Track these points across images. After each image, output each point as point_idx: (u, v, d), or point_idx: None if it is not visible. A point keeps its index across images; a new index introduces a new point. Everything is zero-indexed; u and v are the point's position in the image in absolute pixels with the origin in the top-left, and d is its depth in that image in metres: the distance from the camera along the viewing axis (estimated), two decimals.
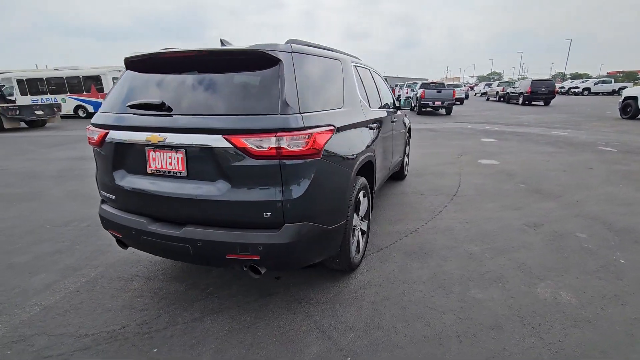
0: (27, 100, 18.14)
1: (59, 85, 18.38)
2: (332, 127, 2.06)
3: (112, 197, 2.19)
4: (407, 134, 5.12)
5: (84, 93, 18.21)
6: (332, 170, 2.03)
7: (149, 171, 2.01)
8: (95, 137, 2.14)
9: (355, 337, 1.97)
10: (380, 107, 3.55)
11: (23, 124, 13.49)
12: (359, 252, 2.69)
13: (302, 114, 1.83)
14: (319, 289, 2.45)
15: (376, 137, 3.04)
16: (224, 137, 1.76)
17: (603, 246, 3.00)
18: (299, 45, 2.10)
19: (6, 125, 12.58)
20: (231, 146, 1.76)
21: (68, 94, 18.29)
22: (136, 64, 2.16)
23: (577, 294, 2.33)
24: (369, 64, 4.05)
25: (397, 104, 4.45)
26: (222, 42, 2.31)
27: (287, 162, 1.78)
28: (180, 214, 1.97)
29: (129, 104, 2.00)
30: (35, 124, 14.00)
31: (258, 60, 1.88)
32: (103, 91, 17.94)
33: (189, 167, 1.91)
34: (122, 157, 2.09)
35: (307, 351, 1.87)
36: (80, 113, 18.45)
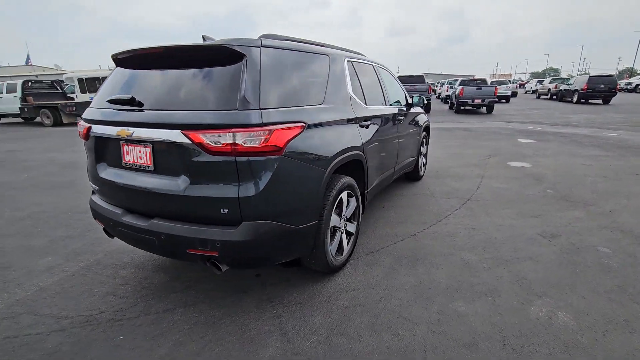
0: (86, 97, 19.87)
1: None
2: (302, 124, 2.00)
3: (97, 188, 2.30)
4: (423, 133, 4.87)
5: None
6: (299, 169, 1.97)
7: (123, 164, 2.09)
8: (82, 131, 2.26)
9: (316, 342, 1.90)
10: (383, 105, 3.41)
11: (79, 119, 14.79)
12: (341, 254, 2.60)
13: (262, 110, 1.78)
14: (295, 289, 2.40)
15: (372, 136, 2.92)
16: (183, 133, 1.77)
17: (627, 264, 2.64)
18: (271, 40, 2.06)
19: (64, 120, 13.89)
20: (189, 141, 1.76)
21: None
22: (122, 60, 2.25)
23: (577, 316, 2.06)
24: (382, 62, 3.91)
25: (409, 101, 4.25)
26: (204, 38, 2.33)
27: (243, 159, 1.74)
28: (148, 207, 2.02)
29: (106, 99, 2.08)
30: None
31: (223, 55, 1.86)
32: None
33: (156, 161, 1.95)
34: (103, 151, 2.19)
35: (263, 352, 1.84)
36: None
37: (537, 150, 7.05)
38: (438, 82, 34.27)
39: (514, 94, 28.38)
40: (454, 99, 16.07)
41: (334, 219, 2.41)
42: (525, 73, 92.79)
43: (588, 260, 2.70)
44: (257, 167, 1.78)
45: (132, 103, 1.96)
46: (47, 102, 14.39)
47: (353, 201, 2.68)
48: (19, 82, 14.74)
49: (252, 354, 1.83)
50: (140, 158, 1.99)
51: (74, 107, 14.01)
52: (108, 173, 2.18)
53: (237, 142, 1.71)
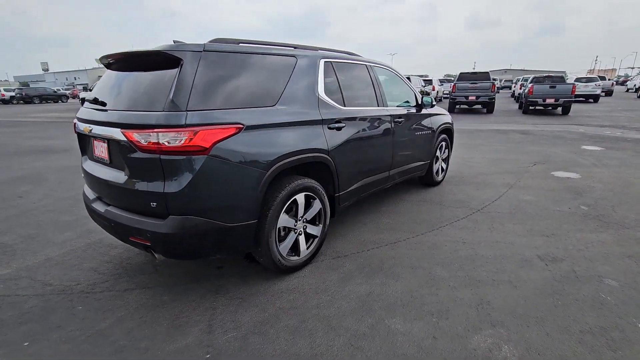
0: None
1: None
2: (239, 126, 2.06)
3: (83, 176, 2.65)
4: (442, 136, 4.54)
5: None
6: (230, 168, 2.02)
7: (94, 157, 2.37)
8: (73, 127, 2.61)
9: (232, 338, 1.96)
10: (375, 107, 3.28)
11: None
12: (298, 255, 2.60)
13: (188, 112, 1.88)
14: (245, 285, 2.48)
15: (347, 138, 2.85)
16: (121, 131, 1.95)
17: (629, 302, 2.19)
18: (217, 45, 2.15)
19: None
20: (126, 139, 1.94)
21: None
22: (106, 64, 2.53)
23: (524, 354, 1.79)
24: (383, 61, 3.77)
25: (419, 102, 4.01)
26: (174, 42, 2.50)
27: (167, 157, 1.87)
28: (106, 196, 2.27)
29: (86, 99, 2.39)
30: None
31: (162, 60, 2.00)
32: None
33: (110, 155, 2.18)
34: (83, 145, 2.51)
35: (180, 339, 1.95)
36: None
37: (599, 160, 6.06)
38: (516, 80, 31.17)
39: (608, 93, 24.53)
40: (523, 98, 14.50)
41: (285, 220, 2.42)
42: (632, 68, 79.05)
43: (582, 292, 2.30)
44: (181, 165, 1.89)
45: (96, 103, 2.21)
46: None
47: (316, 204, 2.66)
48: None
49: (170, 339, 1.96)
50: (102, 152, 2.24)
51: None
52: (87, 164, 2.49)
53: (160, 141, 1.84)
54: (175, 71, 1.95)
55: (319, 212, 2.71)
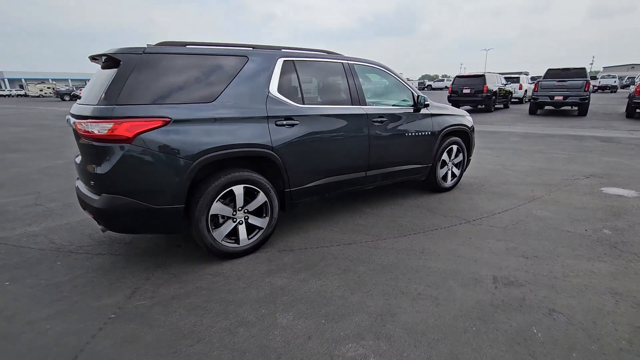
0: None
1: None
2: (165, 119, 2.31)
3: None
4: (451, 139, 4.18)
5: None
6: (154, 156, 2.28)
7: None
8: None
9: (142, 305, 2.22)
10: (349, 105, 3.25)
11: None
12: (237, 243, 2.76)
13: (116, 106, 2.20)
14: (186, 263, 2.73)
15: (302, 135, 2.90)
16: (73, 121, 2.37)
17: (560, 344, 1.82)
18: (159, 47, 2.44)
19: None
20: (75, 128, 2.35)
21: None
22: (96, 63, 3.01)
23: None
24: (373, 60, 3.68)
25: (416, 102, 3.77)
26: (147, 45, 2.87)
27: (98, 143, 2.21)
28: (77, 172, 2.75)
29: None
30: None
31: (110, 61, 2.36)
32: None
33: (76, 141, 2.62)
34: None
35: (105, 299, 2.29)
36: None
37: None
38: (638, 77, 25.98)
39: None
40: (629, 98, 12.03)
41: (219, 208, 2.60)
42: None
43: (512, 322, 1.99)
44: (107, 151, 2.21)
45: (76, 97, 2.70)
46: None
47: (261, 196, 2.78)
48: None
49: (99, 298, 2.30)
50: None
51: None
52: (75, 151, 3.04)
53: (92, 130, 2.19)
54: (113, 71, 2.29)
55: (264, 204, 2.83)
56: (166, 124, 2.31)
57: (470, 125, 4.48)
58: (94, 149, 2.25)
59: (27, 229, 3.47)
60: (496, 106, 15.99)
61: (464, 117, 4.43)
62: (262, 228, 2.87)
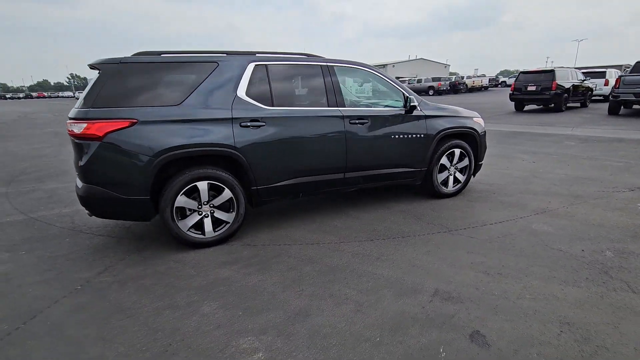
0: None
1: None
2: (132, 120, 2.63)
3: None
4: (449, 142, 3.93)
5: None
6: (120, 153, 2.61)
7: None
8: None
9: (105, 281, 2.57)
10: (315, 107, 3.28)
11: None
12: (204, 235, 2.99)
13: (90, 109, 2.57)
14: (160, 249, 3.04)
15: (267, 135, 3.03)
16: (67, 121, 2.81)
17: None
18: (134, 57, 2.77)
19: None
20: (67, 127, 2.79)
21: None
22: None
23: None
24: (361, 62, 3.66)
25: (411, 104, 3.62)
26: (137, 53, 3.22)
27: (77, 140, 2.61)
28: None
29: None
30: None
31: (96, 70, 2.75)
32: None
33: None
34: None
35: (83, 273, 2.69)
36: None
37: None
38: None
39: None
40: None
41: (183, 201, 2.86)
42: None
43: (423, 339, 1.88)
44: (83, 147, 2.60)
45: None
46: None
47: (226, 192, 2.98)
48: None
49: (79, 271, 2.72)
50: None
51: None
52: None
53: (72, 129, 2.60)
54: (94, 78, 2.67)
55: (230, 200, 3.02)
56: (133, 124, 2.63)
57: (477, 128, 4.14)
58: (76, 146, 2.67)
59: (62, 210, 4.16)
60: (569, 105, 14.15)
61: (469, 119, 4.11)
62: (229, 222, 3.07)
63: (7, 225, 3.70)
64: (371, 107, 3.61)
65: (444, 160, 3.99)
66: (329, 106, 3.33)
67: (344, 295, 2.31)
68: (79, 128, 2.58)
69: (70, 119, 2.64)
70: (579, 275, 2.44)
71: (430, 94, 31.62)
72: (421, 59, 61.89)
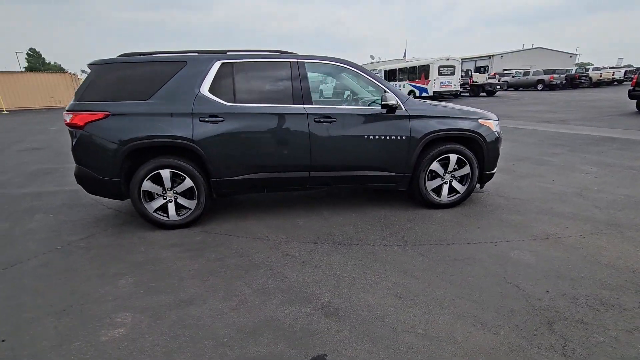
0: None
1: (406, 73, 23.01)
2: (106, 113, 3.06)
3: None
4: (442, 146, 3.47)
5: (416, 80, 21.73)
6: (96, 141, 3.08)
7: None
8: None
9: (76, 245, 3.10)
10: (278, 104, 3.28)
11: None
12: (168, 217, 3.32)
13: (77, 103, 3.09)
14: (135, 227, 3.50)
15: (226, 130, 3.17)
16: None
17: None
18: (118, 58, 3.20)
19: None
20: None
21: (407, 81, 22.58)
22: None
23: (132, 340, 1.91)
24: (339, 58, 3.51)
25: (390, 104, 3.32)
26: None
27: (70, 128, 3.17)
28: None
29: None
30: None
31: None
32: (428, 78, 20.58)
33: None
34: None
35: (66, 238, 3.30)
36: (411, 97, 22.26)
37: None
38: None
39: None
40: None
41: (148, 186, 3.21)
42: None
43: (250, 345, 1.81)
44: (73, 134, 3.14)
45: None
46: None
47: (187, 181, 3.25)
48: None
49: (66, 237, 3.34)
50: None
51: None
52: None
53: (65, 119, 3.16)
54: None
55: (191, 189, 3.28)
56: (107, 116, 3.07)
57: (483, 132, 3.54)
58: (69, 132, 3.24)
59: None
60: None
61: (470, 120, 3.54)
62: (190, 209, 3.34)
63: (60, 193, 4.68)
64: (342, 105, 3.42)
65: (435, 166, 3.55)
66: (293, 103, 3.29)
67: (238, 291, 2.34)
68: (68, 118, 3.13)
69: (65, 110, 3.22)
70: (509, 320, 1.97)
71: (539, 89, 27.37)
72: (538, 48, 53.56)
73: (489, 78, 26.27)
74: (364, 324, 1.97)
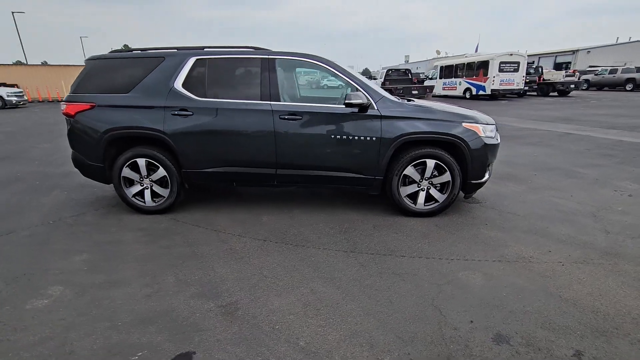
0: (439, 83, 23.21)
1: (462, 69, 21.50)
2: (92, 104, 3.37)
3: None
4: (416, 151, 3.21)
5: (474, 77, 20.18)
6: (83, 129, 3.39)
7: None
8: None
9: (64, 222, 3.47)
10: (245, 100, 3.30)
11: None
12: (144, 203, 3.57)
13: (71, 95, 3.44)
14: (122, 210, 3.81)
15: (193, 124, 3.28)
16: None
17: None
18: (107, 54, 3.48)
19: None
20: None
21: (464, 77, 21.08)
22: None
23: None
24: (313, 55, 3.43)
25: (356, 102, 3.15)
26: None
27: (65, 117, 3.54)
28: None
29: None
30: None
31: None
32: (487, 75, 19.00)
33: None
34: None
35: (54, 215, 3.71)
36: (467, 95, 20.80)
37: None
38: None
39: None
40: None
41: (127, 173, 3.47)
42: None
43: (127, 335, 1.87)
44: (68, 122, 3.51)
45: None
46: (393, 86, 18.70)
47: (161, 170, 3.45)
48: (384, 71, 20.15)
49: (69, 211, 3.75)
50: None
51: (401, 91, 17.32)
52: None
53: (62, 108, 3.54)
54: None
55: (165, 177, 3.47)
56: (93, 107, 3.37)
57: (466, 137, 3.18)
58: (65, 120, 3.62)
59: None
60: None
61: (454, 123, 3.20)
62: (164, 197, 3.54)
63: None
64: (311, 103, 3.31)
65: (409, 171, 3.29)
66: (261, 99, 3.28)
67: (162, 279, 2.43)
68: (63, 108, 3.50)
69: (62, 101, 3.60)
70: (404, 346, 1.78)
71: (628, 89, 23.76)
72: (637, 42, 46.09)
73: (567, 76, 23.35)
74: (252, 328, 1.93)
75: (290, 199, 4.04)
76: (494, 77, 18.65)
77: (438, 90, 23.24)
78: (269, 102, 3.28)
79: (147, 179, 3.51)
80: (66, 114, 3.48)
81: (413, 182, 3.36)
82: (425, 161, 3.26)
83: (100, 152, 3.44)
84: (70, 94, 3.49)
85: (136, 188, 3.56)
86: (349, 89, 3.31)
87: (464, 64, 21.29)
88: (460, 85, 21.32)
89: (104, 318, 2.04)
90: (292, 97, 3.40)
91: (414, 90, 17.46)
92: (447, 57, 30.85)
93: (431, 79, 24.75)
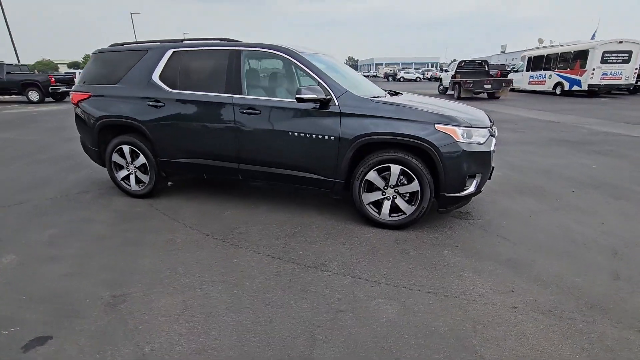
0: (526, 76, 20.36)
1: (555, 61, 18.47)
2: (89, 93, 3.71)
3: None
4: (381, 155, 2.82)
5: (568, 70, 17.21)
6: (83, 116, 3.77)
7: None
8: None
9: (55, 201, 3.93)
10: (210, 93, 3.27)
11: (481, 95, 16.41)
12: (131, 187, 3.84)
13: (77, 85, 3.84)
14: (120, 195, 4.15)
15: (165, 115, 3.39)
16: None
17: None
18: (106, 47, 3.78)
19: (462, 95, 16.13)
20: None
21: (555, 70, 18.13)
22: None
23: None
24: (279, 45, 3.26)
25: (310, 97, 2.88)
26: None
27: (73, 105, 3.97)
28: None
29: None
30: (491, 96, 16.45)
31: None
32: (584, 67, 16.05)
33: None
34: None
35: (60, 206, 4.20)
36: (557, 90, 17.86)
37: None
38: None
39: None
40: None
41: (116, 158, 3.76)
42: None
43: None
44: (74, 110, 3.93)
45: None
46: (463, 79, 16.96)
47: (141, 158, 3.66)
48: (456, 62, 18.39)
49: (77, 189, 4.24)
50: None
51: (471, 84, 15.60)
52: None
53: (70, 97, 3.96)
54: None
55: (145, 165, 3.68)
56: (90, 97, 3.71)
57: (436, 141, 2.67)
58: (74, 107, 4.05)
59: None
60: None
61: (424, 124, 2.70)
62: (145, 182, 3.76)
63: None
64: (271, 97, 3.12)
65: (372, 176, 2.92)
66: (225, 92, 3.23)
67: (88, 263, 2.56)
68: (70, 96, 3.93)
69: (71, 90, 4.03)
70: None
71: None
72: None
73: None
74: (118, 324, 1.92)
75: (265, 194, 3.95)
76: (593, 69, 15.66)
77: (524, 85, 20.44)
78: (231, 95, 3.21)
79: (132, 165, 3.76)
80: (73, 102, 3.90)
81: (378, 189, 2.98)
82: (391, 167, 2.85)
83: (95, 137, 3.78)
84: (76, 85, 3.90)
85: (124, 172, 3.84)
86: (306, 82, 3.06)
87: (557, 54, 18.25)
88: (550, 79, 18.40)
89: (18, 290, 2.24)
90: (257, 91, 3.28)
91: (487, 84, 15.58)
92: (541, 47, 26.64)
93: (516, 71, 21.88)
